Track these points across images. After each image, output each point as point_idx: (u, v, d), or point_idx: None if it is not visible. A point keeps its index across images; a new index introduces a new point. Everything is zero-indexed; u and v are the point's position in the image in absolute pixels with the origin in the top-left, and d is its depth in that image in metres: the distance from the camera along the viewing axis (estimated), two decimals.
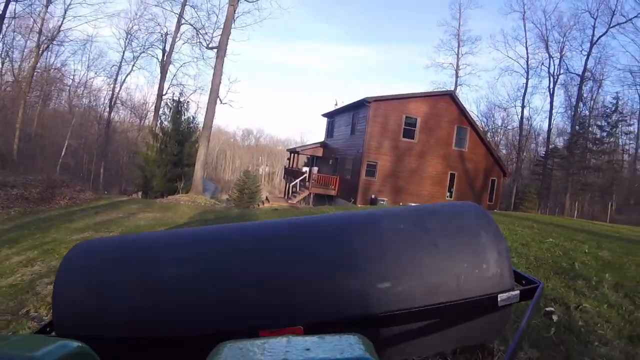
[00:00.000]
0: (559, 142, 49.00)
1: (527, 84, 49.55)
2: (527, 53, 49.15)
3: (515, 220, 11.44)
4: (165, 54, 37.48)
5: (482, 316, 1.82)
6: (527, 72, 49.29)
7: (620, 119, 43.60)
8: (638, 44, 43.85)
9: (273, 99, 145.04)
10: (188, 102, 30.70)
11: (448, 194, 26.20)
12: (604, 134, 43.52)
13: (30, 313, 4.59)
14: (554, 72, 47.79)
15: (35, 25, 32.11)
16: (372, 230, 1.90)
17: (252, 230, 2.16)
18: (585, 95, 45.82)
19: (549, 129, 48.57)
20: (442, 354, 2.63)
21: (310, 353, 0.81)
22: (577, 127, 44.24)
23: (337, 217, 2.17)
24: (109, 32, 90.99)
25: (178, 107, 29.29)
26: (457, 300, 1.69)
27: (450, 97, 26.91)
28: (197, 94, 48.46)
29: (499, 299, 1.69)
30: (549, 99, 48.38)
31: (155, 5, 33.91)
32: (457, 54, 50.81)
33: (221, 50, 22.24)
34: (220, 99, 23.61)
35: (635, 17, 40.66)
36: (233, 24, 23.29)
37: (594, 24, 43.98)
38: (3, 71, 31.56)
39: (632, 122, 44.36)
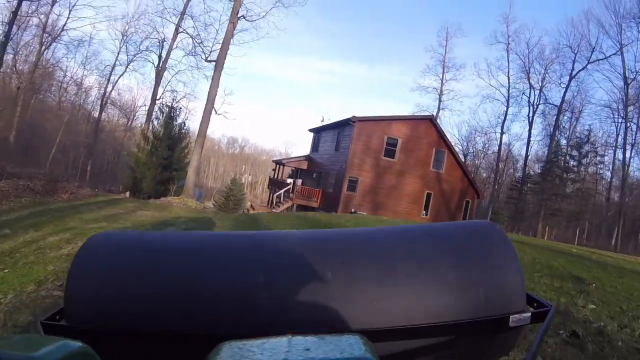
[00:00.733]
0: (537, 169, 51.23)
1: (507, 111, 51.77)
2: (509, 82, 51.51)
3: None
4: (161, 60, 38.61)
5: (492, 336, 1.71)
6: (508, 101, 51.56)
7: (590, 149, 46.02)
8: (613, 81, 46.46)
9: (259, 109, 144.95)
10: (180, 108, 31.82)
11: (424, 212, 27.77)
12: (575, 163, 45.80)
13: None
14: (533, 102, 50.25)
15: (40, 22, 33.12)
16: (380, 246, 1.78)
17: (263, 240, 1.96)
18: (563, 125, 48.35)
19: (526, 156, 50.82)
20: None
21: (311, 353, 0.81)
22: (551, 156, 46.42)
23: (347, 232, 2.04)
24: (105, 32, 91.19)
25: (171, 113, 30.37)
26: (468, 319, 1.60)
27: (430, 121, 28.65)
28: (188, 100, 49.42)
29: (510, 320, 1.62)
30: (527, 127, 50.66)
31: (155, 13, 35.03)
32: (442, 79, 52.87)
33: (219, 64, 23.58)
34: (215, 110, 24.87)
35: (614, 54, 43.32)
36: (232, 40, 24.65)
37: (574, 58, 46.76)
38: (9, 66, 32.19)
39: (605, 153, 46.88)
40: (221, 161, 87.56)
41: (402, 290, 1.56)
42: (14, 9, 29.09)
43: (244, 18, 26.17)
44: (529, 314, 1.57)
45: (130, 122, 51.70)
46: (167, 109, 30.73)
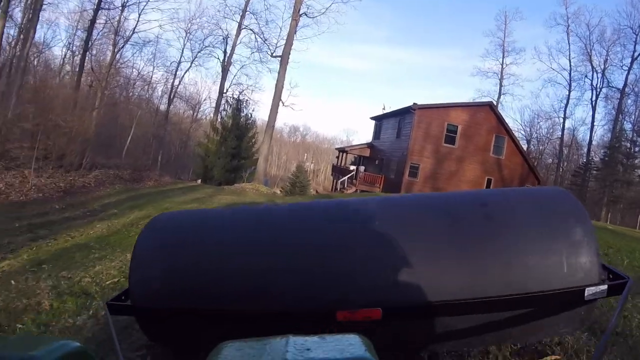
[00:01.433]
0: (602, 154, 49.62)
1: (569, 96, 50.54)
2: (570, 65, 50.17)
3: None
4: (226, 56, 40.67)
5: (568, 309, 1.75)
6: (570, 84, 50.30)
7: None
8: None
9: (319, 97, 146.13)
10: (247, 100, 33.68)
11: None
12: (637, 149, 44.41)
13: None
14: (596, 85, 48.67)
15: (112, 26, 35.69)
16: (455, 213, 1.84)
17: (327, 209, 2.12)
18: (627, 109, 46.62)
19: (590, 141, 49.53)
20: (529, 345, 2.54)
21: (311, 353, 0.82)
22: (614, 141, 45.18)
23: (415, 198, 2.11)
24: (170, 32, 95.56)
25: (238, 105, 32.24)
26: (544, 291, 1.62)
27: (489, 107, 29.15)
28: (251, 91, 51.20)
29: (586, 293, 1.61)
30: (591, 112, 49.44)
31: (218, 12, 36.76)
32: (502, 64, 52.15)
33: (284, 60, 25.08)
34: (282, 102, 26.41)
35: None
36: (295, 36, 26.06)
37: (636, 39, 44.92)
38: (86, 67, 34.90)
39: None
40: (283, 149, 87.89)
41: (470, 263, 1.62)
42: (91, 18, 31.72)
43: (305, 15, 27.55)
44: (606, 286, 1.58)
45: (195, 114, 54.32)
46: (235, 102, 32.64)
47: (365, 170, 30.65)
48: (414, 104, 26.82)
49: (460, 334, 1.86)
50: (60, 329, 3.35)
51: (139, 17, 37.41)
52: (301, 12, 26.88)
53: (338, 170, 35.06)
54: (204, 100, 54.69)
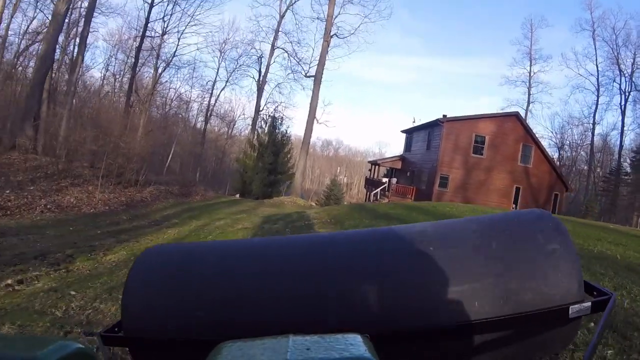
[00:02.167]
0: (632, 158, 49.01)
1: (597, 101, 50.48)
2: (598, 70, 50.28)
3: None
4: (261, 75, 42.76)
5: (552, 328, 1.75)
6: (598, 90, 50.31)
7: None
8: None
9: (351, 110, 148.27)
10: (282, 117, 35.47)
11: (514, 205, 28.95)
12: None
13: None
14: (625, 89, 48.43)
15: (153, 51, 38.20)
16: (436, 240, 1.85)
17: (320, 243, 2.14)
18: None
19: (620, 145, 49.09)
20: None
21: (311, 353, 0.82)
22: None
23: (403, 228, 2.11)
24: (206, 54, 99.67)
25: (273, 122, 34.02)
26: (527, 312, 1.62)
27: (515, 117, 29.96)
28: (284, 107, 53.14)
29: (570, 311, 1.61)
30: (620, 117, 48.90)
31: (251, 33, 38.76)
32: (530, 72, 52.75)
33: (317, 80, 26.81)
34: (317, 120, 28.01)
35: None
36: (327, 56, 27.71)
37: None
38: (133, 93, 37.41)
39: None
40: (317, 163, 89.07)
41: (452, 285, 1.65)
42: (137, 45, 34.30)
43: (336, 36, 29.26)
44: (589, 303, 1.61)
45: (230, 131, 56.54)
46: (270, 119, 34.46)
47: (397, 182, 31.86)
48: (444, 116, 27.96)
49: (445, 358, 1.90)
50: None
51: (179, 41, 39.88)
52: (332, 33, 28.59)
53: (371, 183, 36.18)
54: (239, 117, 56.90)
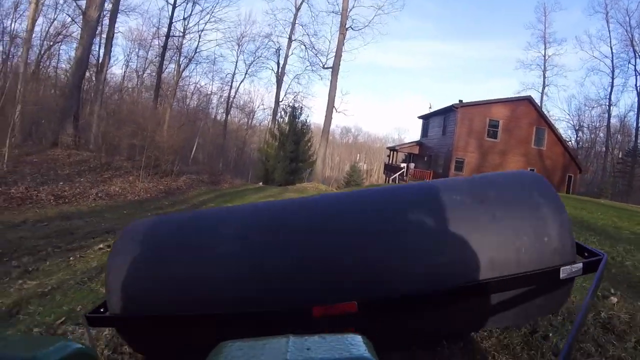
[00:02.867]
0: None
1: (612, 83, 50.24)
2: (612, 52, 50.05)
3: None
4: (280, 67, 44.22)
5: (544, 289, 1.76)
6: (613, 71, 50.05)
7: None
8: None
9: (369, 97, 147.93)
10: (302, 107, 36.75)
11: None
12: None
13: None
14: None
15: (177, 50, 39.80)
16: (428, 204, 1.83)
17: (307, 205, 2.12)
18: None
19: (637, 127, 48.66)
20: (507, 329, 2.61)
21: (311, 353, 0.81)
22: None
23: (391, 190, 2.11)
24: (225, 48, 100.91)
25: (293, 112, 35.26)
26: (518, 273, 1.63)
27: (528, 101, 30.69)
28: (303, 97, 54.15)
29: (561, 273, 1.61)
30: (636, 98, 48.61)
31: (269, 26, 39.97)
32: (544, 55, 52.74)
33: (335, 71, 28.08)
34: (335, 109, 29.26)
35: None
36: (343, 48, 28.88)
37: None
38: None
39: None
40: (336, 151, 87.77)
41: (443, 250, 1.65)
42: (163, 44, 35.89)
43: (352, 28, 30.39)
44: (580, 264, 1.64)
45: (250, 121, 57.98)
46: (290, 109, 35.74)
47: (415, 167, 32.79)
48: (460, 101, 28.96)
49: (438, 321, 1.90)
50: None
51: (200, 38, 41.32)
52: (347, 26, 29.69)
53: (389, 168, 37.04)
54: (258, 107, 58.21)
